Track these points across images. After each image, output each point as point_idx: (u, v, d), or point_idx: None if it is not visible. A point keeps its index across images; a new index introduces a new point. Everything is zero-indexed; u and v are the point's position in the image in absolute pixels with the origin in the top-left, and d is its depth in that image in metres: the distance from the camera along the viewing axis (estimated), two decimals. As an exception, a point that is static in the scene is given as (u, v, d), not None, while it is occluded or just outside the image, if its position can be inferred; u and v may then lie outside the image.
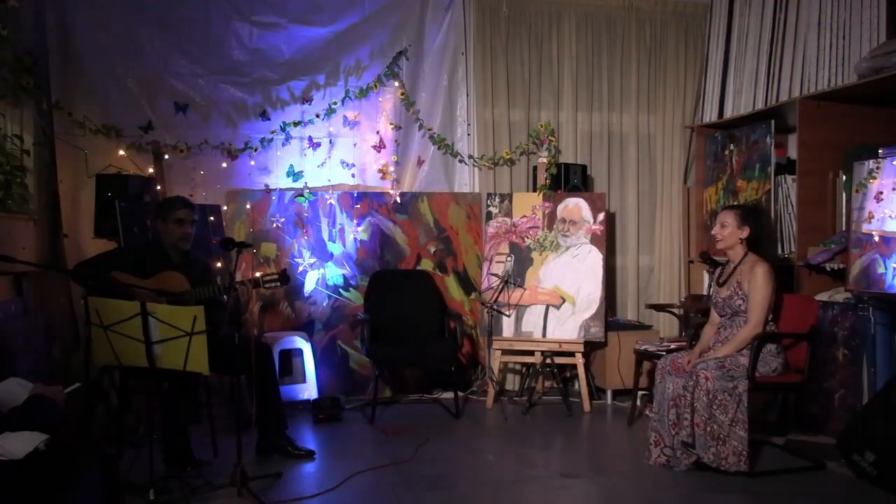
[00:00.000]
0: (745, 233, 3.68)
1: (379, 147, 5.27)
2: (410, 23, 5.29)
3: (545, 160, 5.24)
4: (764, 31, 4.89)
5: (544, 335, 4.97)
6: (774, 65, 4.76)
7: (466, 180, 5.42)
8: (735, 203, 4.78)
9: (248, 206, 4.99)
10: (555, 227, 5.11)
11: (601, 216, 5.07)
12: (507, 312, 4.95)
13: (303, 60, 5.13)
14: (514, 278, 5.01)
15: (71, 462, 2.45)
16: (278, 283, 3.78)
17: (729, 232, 3.70)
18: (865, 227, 3.73)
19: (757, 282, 3.55)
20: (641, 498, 3.36)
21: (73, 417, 4.17)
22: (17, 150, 4.22)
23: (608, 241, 5.24)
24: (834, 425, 3.95)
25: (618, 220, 5.64)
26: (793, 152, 4.71)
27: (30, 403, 2.63)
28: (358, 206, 5.16)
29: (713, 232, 3.80)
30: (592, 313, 4.96)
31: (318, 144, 5.16)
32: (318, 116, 5.12)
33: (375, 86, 5.21)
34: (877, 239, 3.65)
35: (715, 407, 3.43)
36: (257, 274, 3.86)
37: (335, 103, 5.16)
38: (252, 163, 5.06)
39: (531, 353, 4.95)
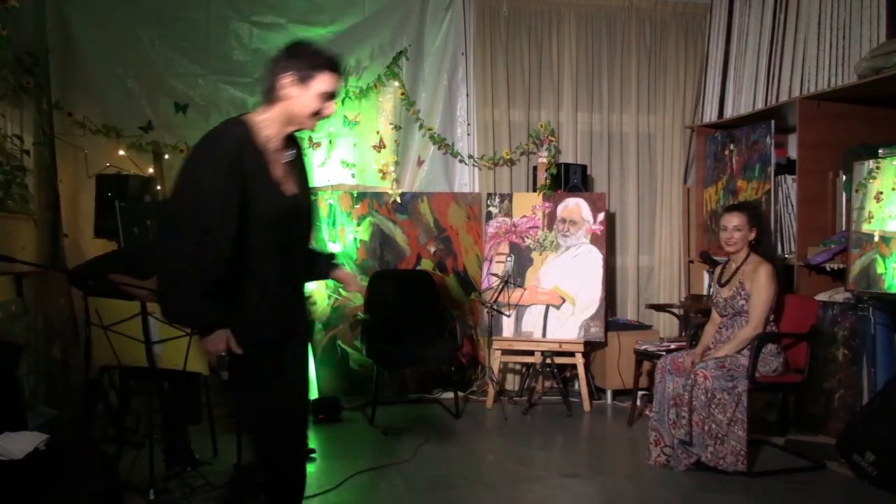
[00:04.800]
0: (754, 234, 3.68)
1: (379, 147, 5.27)
2: (410, 23, 5.29)
3: (545, 160, 5.24)
4: (764, 31, 4.89)
5: (544, 335, 4.97)
6: (774, 65, 4.76)
7: (466, 180, 5.42)
8: (735, 203, 4.77)
9: (248, 206, 4.98)
10: (555, 227, 5.11)
11: (601, 216, 5.07)
12: (507, 312, 4.95)
13: (303, 60, 5.12)
14: (514, 278, 5.01)
15: (71, 462, 2.45)
16: None
17: (741, 235, 3.67)
18: (865, 227, 3.73)
19: (760, 282, 3.55)
20: (641, 498, 3.36)
21: (73, 417, 4.19)
22: (17, 150, 4.22)
23: (608, 241, 5.24)
24: (834, 425, 3.95)
25: (618, 220, 5.64)
26: (793, 152, 4.71)
27: None
28: (358, 206, 5.16)
29: (725, 238, 3.70)
30: (592, 313, 4.96)
31: (318, 144, 5.16)
32: (318, 116, 5.12)
33: (375, 86, 5.21)
34: (877, 239, 3.65)
35: (713, 406, 3.43)
36: None
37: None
38: (252, 163, 5.05)
39: (531, 353, 4.95)
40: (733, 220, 3.68)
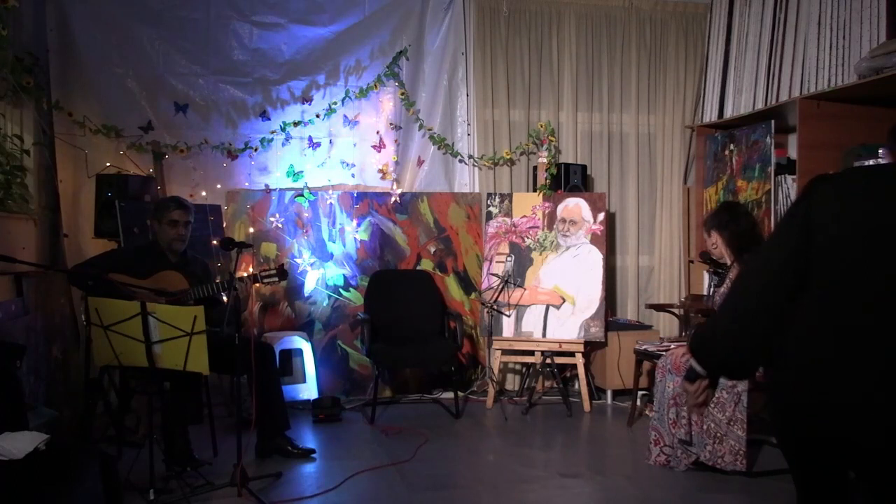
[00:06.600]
0: (726, 235, 3.67)
1: (379, 147, 5.27)
2: (410, 23, 5.29)
3: (545, 160, 5.24)
4: (764, 31, 4.89)
5: (544, 335, 4.97)
6: (774, 65, 4.76)
7: (466, 180, 5.42)
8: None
9: (248, 206, 4.99)
10: (555, 227, 5.11)
11: (601, 216, 5.07)
12: (507, 312, 4.95)
13: (303, 60, 5.13)
14: (514, 278, 5.02)
15: (71, 462, 2.45)
16: (277, 279, 3.78)
17: (711, 244, 3.75)
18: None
19: None
20: (641, 498, 3.36)
21: (73, 417, 4.19)
22: (17, 150, 4.23)
23: (608, 241, 5.24)
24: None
25: (618, 220, 5.64)
26: (793, 152, 4.71)
27: None
28: (358, 206, 5.16)
29: (709, 250, 3.83)
30: (592, 313, 4.96)
31: (318, 144, 5.16)
32: (318, 116, 5.12)
33: (375, 86, 5.21)
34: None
35: (712, 405, 3.44)
36: (251, 270, 3.85)
37: (335, 103, 5.15)
38: (252, 163, 5.06)
39: (531, 353, 4.95)
40: (709, 238, 3.76)
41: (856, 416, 1.62)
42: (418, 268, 5.22)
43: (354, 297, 5.11)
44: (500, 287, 4.88)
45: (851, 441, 1.64)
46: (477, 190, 5.40)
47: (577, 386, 5.12)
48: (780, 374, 1.76)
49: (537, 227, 5.13)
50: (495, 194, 5.26)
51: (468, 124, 5.38)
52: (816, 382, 1.67)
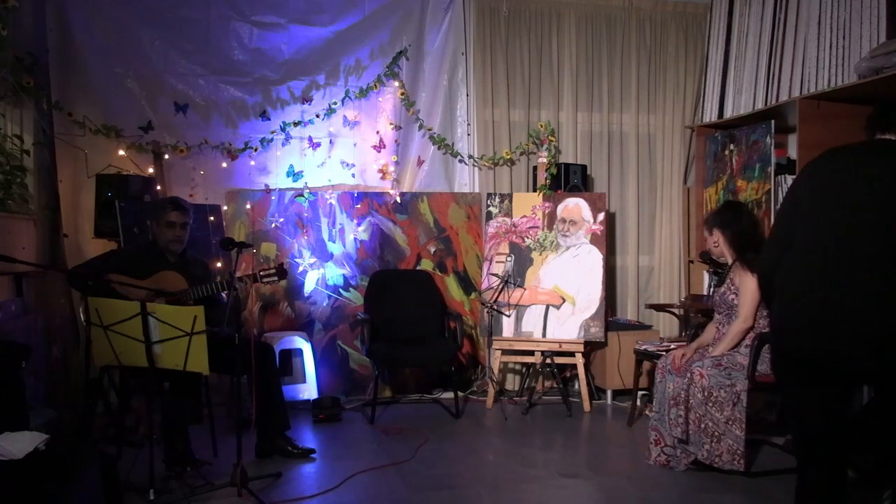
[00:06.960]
0: (729, 234, 3.71)
1: (379, 147, 5.27)
2: (410, 23, 5.29)
3: (545, 160, 5.24)
4: (764, 31, 4.89)
5: (544, 335, 4.97)
6: (774, 65, 4.76)
7: (466, 180, 5.42)
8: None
9: (248, 206, 4.99)
10: (555, 227, 5.11)
11: (601, 216, 5.07)
12: (507, 312, 4.95)
13: (303, 60, 5.13)
14: (514, 278, 5.02)
15: (71, 462, 2.45)
16: (276, 278, 3.78)
17: (712, 243, 3.80)
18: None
19: (747, 276, 3.58)
20: (641, 498, 3.36)
21: (73, 417, 4.19)
22: (17, 150, 4.23)
23: (608, 241, 5.24)
24: (834, 425, 3.94)
25: (618, 220, 5.64)
26: (793, 152, 4.71)
27: None
28: (358, 206, 5.16)
29: (709, 249, 3.89)
30: (592, 313, 4.96)
31: (318, 144, 5.16)
32: (318, 116, 5.12)
33: (375, 86, 5.21)
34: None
35: (710, 404, 3.44)
36: (251, 271, 3.85)
37: (335, 103, 5.15)
38: (252, 163, 5.06)
39: (531, 353, 4.95)
40: (711, 237, 3.81)
41: (823, 327, 2.18)
42: (418, 268, 5.22)
43: (354, 297, 5.11)
44: (500, 287, 4.88)
45: (823, 349, 2.19)
46: (477, 190, 5.40)
47: (577, 386, 5.12)
48: (772, 308, 2.37)
49: (537, 227, 5.13)
50: (495, 194, 5.26)
51: (468, 124, 5.38)
52: (794, 308, 2.25)
